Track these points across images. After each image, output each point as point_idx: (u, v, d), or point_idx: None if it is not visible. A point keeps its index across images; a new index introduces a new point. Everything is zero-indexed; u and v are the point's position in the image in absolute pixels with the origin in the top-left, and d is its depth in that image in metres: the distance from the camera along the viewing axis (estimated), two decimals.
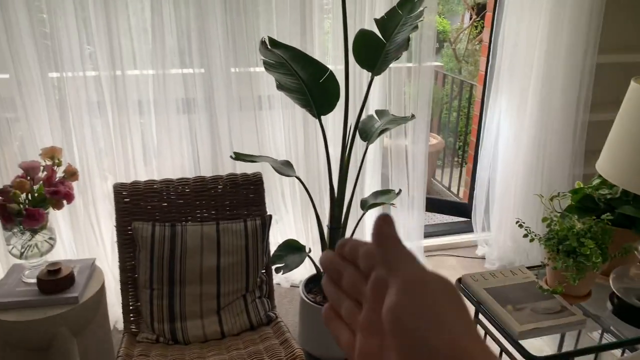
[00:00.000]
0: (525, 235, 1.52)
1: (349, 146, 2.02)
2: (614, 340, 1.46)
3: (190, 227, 1.90)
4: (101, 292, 1.86)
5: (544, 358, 1.31)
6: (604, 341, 1.48)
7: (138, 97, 2.17)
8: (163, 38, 2.09)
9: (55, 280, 1.73)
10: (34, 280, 1.77)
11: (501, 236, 2.83)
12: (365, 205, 2.13)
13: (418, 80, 2.50)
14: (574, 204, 1.60)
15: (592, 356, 1.61)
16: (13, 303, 1.70)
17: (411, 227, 2.73)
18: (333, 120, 2.35)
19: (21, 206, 1.60)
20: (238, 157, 1.94)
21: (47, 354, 1.77)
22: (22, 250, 1.75)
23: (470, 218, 3.01)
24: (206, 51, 2.16)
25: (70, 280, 1.76)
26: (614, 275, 1.49)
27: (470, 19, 4.75)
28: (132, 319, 1.87)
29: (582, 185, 1.67)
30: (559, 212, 1.56)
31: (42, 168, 1.70)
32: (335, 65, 2.27)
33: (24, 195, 1.63)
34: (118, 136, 2.17)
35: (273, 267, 1.97)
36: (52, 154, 1.72)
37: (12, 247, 1.74)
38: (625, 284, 1.47)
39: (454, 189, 4.13)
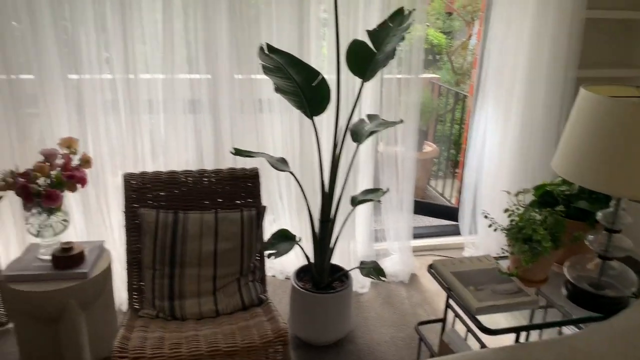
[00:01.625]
0: (490, 226, 1.68)
1: (339, 146, 2.20)
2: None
3: (191, 215, 2.09)
4: (108, 270, 2.05)
5: (498, 330, 1.47)
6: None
7: (148, 98, 2.38)
8: (172, 46, 2.30)
9: (68, 257, 1.92)
10: (48, 257, 1.96)
11: (487, 239, 2.99)
12: (355, 202, 2.31)
13: (408, 90, 2.68)
14: (536, 199, 1.77)
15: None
16: (29, 276, 1.89)
17: (400, 227, 2.89)
18: (328, 122, 2.54)
19: (41, 188, 1.80)
20: (238, 152, 2.14)
21: (57, 325, 1.95)
22: (39, 229, 1.94)
23: (458, 222, 3.17)
24: (212, 59, 2.37)
25: (81, 257, 1.96)
26: (569, 263, 1.65)
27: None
28: (135, 296, 2.05)
29: (546, 183, 1.83)
30: (522, 207, 1.73)
31: (59, 155, 1.90)
32: (329, 72, 2.47)
33: (42, 179, 1.83)
34: (129, 133, 2.37)
35: (265, 253, 2.15)
36: (69, 143, 1.93)
37: (30, 226, 1.94)
38: (578, 272, 1.63)
39: (448, 195, 4.29)
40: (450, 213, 3.36)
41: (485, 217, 1.68)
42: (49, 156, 1.86)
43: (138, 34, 2.27)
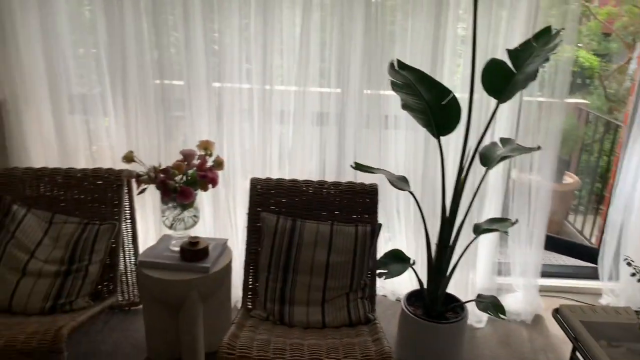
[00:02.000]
0: (634, 274, 1.47)
1: (466, 168, 2.09)
2: None
3: (308, 223, 2.12)
4: (228, 267, 2.17)
5: None
6: None
7: (281, 109, 2.49)
8: (308, 60, 2.38)
9: (194, 251, 2.07)
10: (177, 249, 2.13)
11: (630, 288, 2.62)
12: (478, 230, 2.17)
13: (550, 115, 2.47)
14: None
15: None
16: (160, 264, 2.07)
17: (528, 263, 2.66)
18: (456, 143, 2.44)
19: (177, 184, 1.96)
20: (358, 167, 2.14)
21: (178, 312, 2.10)
22: (172, 222, 2.12)
23: (597, 264, 2.82)
24: (344, 73, 2.41)
25: (205, 252, 2.09)
26: None
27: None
28: (249, 296, 2.14)
29: None
30: None
31: (197, 156, 2.06)
32: (462, 91, 2.36)
33: (179, 177, 2.00)
34: (260, 140, 2.50)
35: (377, 272, 2.11)
36: (206, 145, 2.08)
37: (165, 219, 2.12)
38: None
39: (588, 234, 3.86)
40: (589, 253, 3.01)
41: (629, 264, 1.47)
42: (187, 156, 2.03)
43: (277, 47, 2.39)
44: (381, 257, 2.17)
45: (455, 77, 2.45)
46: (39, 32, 2.36)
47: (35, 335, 1.71)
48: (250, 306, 2.12)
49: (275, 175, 2.48)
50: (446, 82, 2.27)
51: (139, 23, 2.34)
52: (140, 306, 2.54)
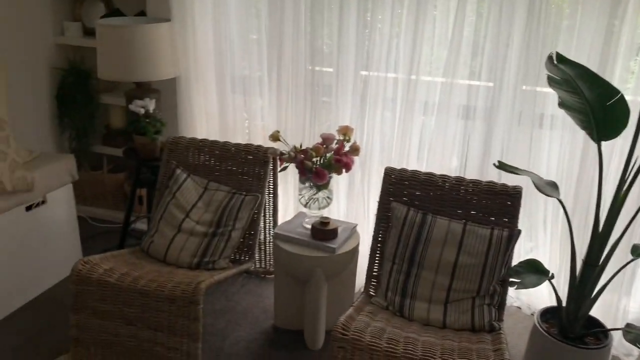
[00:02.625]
0: None
1: (629, 181, 1.84)
2: None
3: (439, 219, 2.06)
4: (354, 251, 2.21)
5: None
6: None
7: (425, 99, 2.43)
8: (458, 51, 2.29)
9: (324, 231, 2.15)
10: (309, 227, 2.23)
11: None
12: (637, 252, 1.91)
13: None
14: None
15: None
16: (292, 238, 2.19)
17: None
18: (621, 149, 2.15)
19: (313, 165, 2.05)
20: (502, 166, 2.01)
21: (305, 286, 2.21)
22: (307, 201, 2.22)
23: None
24: (497, 67, 2.27)
25: (334, 233, 2.16)
26: None
27: None
28: (372, 283, 2.16)
29: None
30: None
31: (335, 141, 2.12)
32: (635, 94, 2.07)
33: (316, 159, 2.08)
34: (400, 130, 2.48)
35: (509, 280, 1.97)
36: (345, 131, 2.13)
37: (302, 197, 2.23)
38: None
39: None
40: None
41: None
42: (326, 140, 2.10)
43: (428, 37, 2.33)
44: (516, 265, 2.02)
45: (630, 77, 2.15)
46: (212, 15, 2.62)
47: (179, 285, 1.94)
48: (372, 293, 2.14)
49: (412, 166, 2.45)
50: (616, 83, 2.02)
51: (298, 13, 2.47)
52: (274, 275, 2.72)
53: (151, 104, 2.57)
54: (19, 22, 2.84)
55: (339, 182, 2.59)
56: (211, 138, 2.59)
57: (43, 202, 2.53)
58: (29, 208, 2.46)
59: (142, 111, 2.55)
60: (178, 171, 2.45)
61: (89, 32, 3.06)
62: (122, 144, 3.17)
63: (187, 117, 2.80)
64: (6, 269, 2.37)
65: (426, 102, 2.43)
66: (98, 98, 3.14)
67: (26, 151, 2.61)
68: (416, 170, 2.19)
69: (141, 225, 3.18)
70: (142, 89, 2.71)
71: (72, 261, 2.73)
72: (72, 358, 2.05)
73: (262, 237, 2.60)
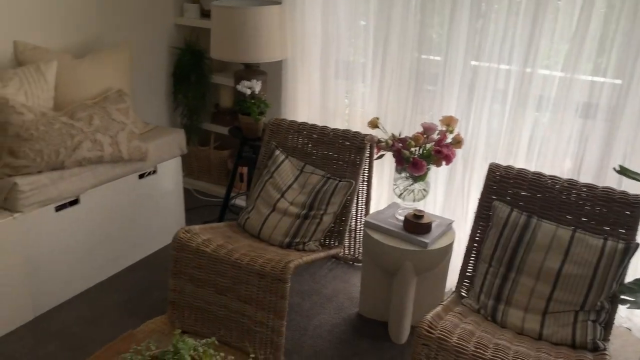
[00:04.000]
0: None
1: None
2: None
3: (545, 224, 1.91)
4: (448, 249, 2.12)
5: None
6: None
7: (540, 94, 2.25)
8: (582, 45, 2.08)
9: (417, 224, 2.08)
10: (402, 218, 2.17)
11: None
12: None
13: None
14: None
15: None
16: (383, 228, 2.15)
17: None
18: None
19: (411, 155, 1.98)
20: (623, 171, 1.80)
21: (393, 278, 2.17)
22: (402, 192, 2.16)
23: None
24: (628, 64, 2.04)
25: (428, 228, 2.08)
26: None
27: None
28: (464, 283, 2.06)
29: None
30: None
31: (437, 131, 2.03)
32: None
33: (415, 149, 2.01)
34: (509, 125, 2.32)
35: (620, 297, 1.78)
36: (448, 122, 2.04)
37: (396, 187, 2.17)
38: None
39: None
40: None
41: None
42: (427, 129, 2.02)
43: (548, 28, 2.15)
44: (630, 282, 1.81)
45: None
46: (322, 0, 2.63)
47: (270, 262, 1.99)
48: (463, 294, 2.04)
49: (520, 165, 2.29)
50: None
51: (407, 1, 2.40)
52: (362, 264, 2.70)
53: (257, 86, 2.65)
54: (144, 3, 3.05)
55: (437, 175, 2.50)
56: (311, 122, 2.61)
57: (154, 171, 2.72)
58: (141, 176, 2.65)
59: (249, 92, 2.63)
60: (277, 152, 2.51)
61: (206, 14, 3.21)
62: (229, 122, 3.31)
63: (290, 99, 2.85)
64: (118, 231, 2.58)
65: (541, 97, 2.25)
66: (210, 77, 3.30)
67: (143, 123, 2.81)
68: (523, 169, 2.04)
69: (240, 201, 3.31)
70: (250, 70, 2.79)
71: (176, 229, 2.91)
72: (167, 319, 2.19)
73: (352, 225, 2.59)
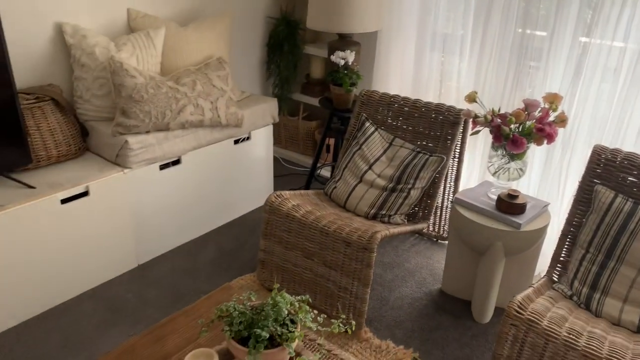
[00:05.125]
0: None
1: None
2: None
3: None
4: (542, 232, 2.04)
5: None
6: None
7: None
8: None
9: (511, 204, 2.02)
10: (494, 197, 2.11)
11: None
12: None
13: None
14: None
15: None
16: (475, 206, 2.11)
17: None
18: None
19: (511, 132, 1.91)
20: None
21: (481, 258, 2.13)
22: (497, 170, 2.10)
23: None
24: None
25: (522, 208, 2.02)
26: None
27: None
28: (557, 268, 1.98)
29: None
30: None
31: (539, 108, 1.94)
32: None
33: (515, 125, 1.94)
34: (621, 106, 2.16)
35: None
36: (552, 99, 1.94)
37: (491, 165, 2.11)
38: None
39: None
40: None
41: None
42: (529, 106, 1.94)
43: None
44: None
45: None
46: None
47: (357, 231, 2.02)
48: (555, 278, 1.97)
49: (629, 149, 2.14)
50: None
51: None
52: (447, 241, 2.68)
53: (351, 56, 2.65)
54: None
55: (535, 155, 2.39)
56: (403, 94, 2.58)
57: (248, 138, 2.83)
58: (236, 142, 2.77)
59: (342, 62, 2.64)
60: (367, 124, 2.51)
61: None
62: (318, 93, 3.35)
63: (383, 71, 2.83)
64: (214, 192, 2.73)
65: None
66: (302, 48, 3.34)
67: (239, 91, 2.92)
68: (632, 152, 1.91)
69: (325, 172, 3.37)
70: (344, 41, 2.80)
71: (265, 194, 3.03)
72: (257, 277, 2.31)
73: (439, 201, 2.56)
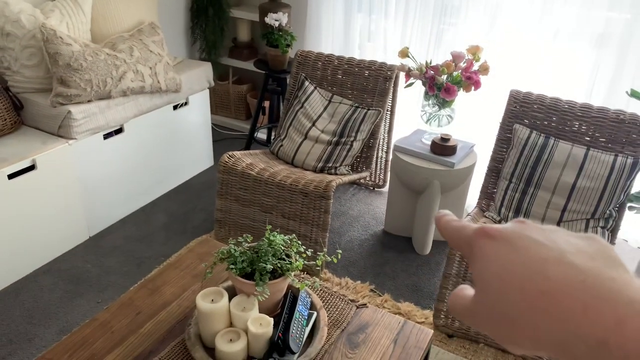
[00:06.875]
0: None
1: None
2: None
3: (562, 143, 2.12)
4: (470, 169, 2.33)
5: None
6: None
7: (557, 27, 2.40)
8: None
9: (444, 146, 2.27)
10: (428, 142, 2.36)
11: None
12: None
13: None
14: None
15: None
16: (412, 151, 2.34)
17: None
18: None
19: (444, 81, 2.15)
20: (634, 94, 2.00)
21: (420, 197, 2.38)
22: (429, 118, 2.34)
23: None
24: None
25: (453, 150, 2.28)
26: None
27: None
28: (484, 199, 2.28)
29: None
30: None
31: (464, 59, 2.19)
32: None
33: (445, 77, 2.17)
34: (529, 53, 2.48)
35: (628, 205, 2.02)
36: (475, 51, 2.19)
37: (424, 114, 2.35)
38: None
39: None
40: None
41: None
42: (456, 57, 2.18)
43: None
44: (637, 192, 2.06)
45: None
46: None
47: (312, 182, 2.18)
48: (484, 208, 2.27)
49: (542, 91, 2.47)
50: None
51: None
52: (383, 189, 2.92)
53: (284, 18, 2.74)
54: None
55: (462, 102, 2.67)
56: (336, 54, 2.73)
57: (185, 103, 2.84)
58: (175, 107, 2.78)
59: (277, 24, 2.73)
60: (306, 83, 2.64)
61: None
62: (247, 57, 3.40)
63: (314, 32, 2.95)
64: (157, 159, 2.74)
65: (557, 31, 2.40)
66: (228, 12, 3.35)
67: (171, 56, 2.90)
68: (542, 95, 2.22)
69: (260, 134, 3.46)
70: (275, 3, 2.87)
71: (207, 158, 3.08)
72: (215, 236, 2.40)
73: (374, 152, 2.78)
